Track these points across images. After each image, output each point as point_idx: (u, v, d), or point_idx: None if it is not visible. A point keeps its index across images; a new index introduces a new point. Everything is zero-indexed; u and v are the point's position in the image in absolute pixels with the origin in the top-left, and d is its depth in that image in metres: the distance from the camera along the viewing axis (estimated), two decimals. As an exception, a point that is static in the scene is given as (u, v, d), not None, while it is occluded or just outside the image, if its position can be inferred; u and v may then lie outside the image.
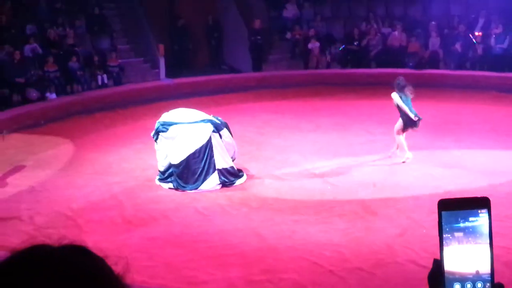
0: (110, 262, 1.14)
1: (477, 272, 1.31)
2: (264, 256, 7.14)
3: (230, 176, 9.65)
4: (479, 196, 1.35)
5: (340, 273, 6.67)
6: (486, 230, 1.33)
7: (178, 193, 9.40)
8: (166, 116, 9.78)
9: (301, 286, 6.48)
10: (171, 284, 6.58)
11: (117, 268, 1.14)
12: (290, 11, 19.66)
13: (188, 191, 9.41)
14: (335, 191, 9.30)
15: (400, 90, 10.59)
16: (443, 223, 1.33)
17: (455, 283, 1.32)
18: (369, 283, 6.52)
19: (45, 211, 8.76)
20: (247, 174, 9.99)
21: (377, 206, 8.61)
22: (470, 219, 1.33)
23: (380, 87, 16.43)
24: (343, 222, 8.08)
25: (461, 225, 1.33)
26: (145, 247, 7.49)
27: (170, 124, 9.57)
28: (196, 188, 9.44)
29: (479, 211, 1.33)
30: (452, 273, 1.32)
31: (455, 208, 1.34)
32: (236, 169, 9.83)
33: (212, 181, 9.51)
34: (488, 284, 1.31)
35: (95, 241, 7.34)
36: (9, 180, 10.17)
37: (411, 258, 6.90)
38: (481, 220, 1.33)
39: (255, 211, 8.62)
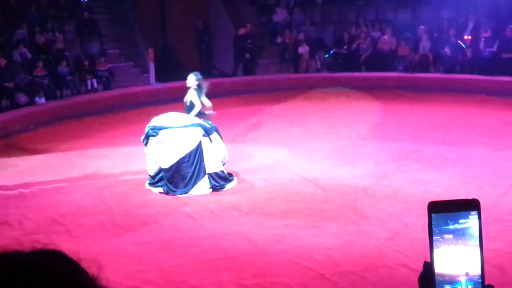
0: (84, 265, 1.13)
1: (467, 274, 1.31)
2: (255, 260, 7.11)
3: (220, 180, 9.63)
4: (468, 198, 1.35)
5: (331, 277, 6.66)
6: (476, 232, 1.32)
7: (169, 197, 9.37)
8: (156, 121, 9.75)
9: (292, 290, 6.46)
10: (162, 289, 6.55)
11: (91, 271, 1.14)
12: (280, 15, 19.70)
13: (178, 195, 9.39)
14: (325, 195, 9.29)
15: (198, 85, 9.95)
16: (433, 225, 1.33)
17: (445, 285, 1.31)
18: (361, 286, 6.51)
19: (34, 216, 8.70)
20: (237, 178, 9.97)
21: (368, 209, 8.61)
22: (460, 221, 1.33)
23: (370, 91, 16.53)
24: (334, 225, 8.07)
25: (451, 227, 1.32)
26: (135, 251, 7.45)
27: (160, 128, 9.55)
28: (187, 193, 9.41)
29: (469, 213, 1.33)
30: (442, 275, 1.31)
31: (445, 210, 1.33)
32: (226, 173, 9.81)
33: (203, 186, 9.49)
34: (478, 286, 1.31)
35: (85, 246, 7.32)
36: (-2, 185, 10.12)
37: (402, 261, 6.89)
38: (471, 222, 1.33)
39: (246, 215, 8.60)
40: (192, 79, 10.04)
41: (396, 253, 7.14)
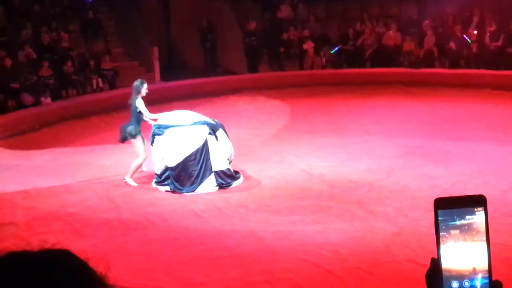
0: (91, 264, 1.14)
1: (474, 269, 1.31)
2: (262, 257, 7.13)
3: (226, 178, 9.64)
4: (475, 194, 1.35)
5: (338, 273, 6.66)
6: (482, 227, 1.32)
7: (175, 195, 9.39)
8: (162, 119, 9.77)
9: (299, 286, 6.47)
10: (169, 287, 6.57)
11: (99, 270, 1.15)
12: (284, 12, 19.67)
13: (185, 193, 9.40)
14: (332, 191, 9.29)
15: (139, 93, 9.69)
16: (439, 221, 1.33)
17: (452, 281, 1.31)
18: (368, 282, 6.51)
19: (41, 216, 8.73)
20: (243, 176, 9.98)
21: (374, 205, 8.61)
22: (466, 217, 1.33)
23: (376, 87, 16.51)
24: (341, 221, 8.08)
25: (457, 223, 1.33)
26: (142, 250, 7.47)
27: (166, 127, 9.57)
28: (193, 191, 9.43)
29: (475, 209, 1.33)
30: (450, 271, 1.31)
31: (451, 207, 1.34)
32: (232, 171, 9.82)
33: (209, 184, 9.50)
34: (486, 281, 1.31)
35: (92, 245, 7.34)
36: (4, 185, 10.14)
37: (409, 256, 6.90)
38: (477, 218, 1.33)
39: (252, 212, 8.61)
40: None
41: (403, 249, 7.14)
